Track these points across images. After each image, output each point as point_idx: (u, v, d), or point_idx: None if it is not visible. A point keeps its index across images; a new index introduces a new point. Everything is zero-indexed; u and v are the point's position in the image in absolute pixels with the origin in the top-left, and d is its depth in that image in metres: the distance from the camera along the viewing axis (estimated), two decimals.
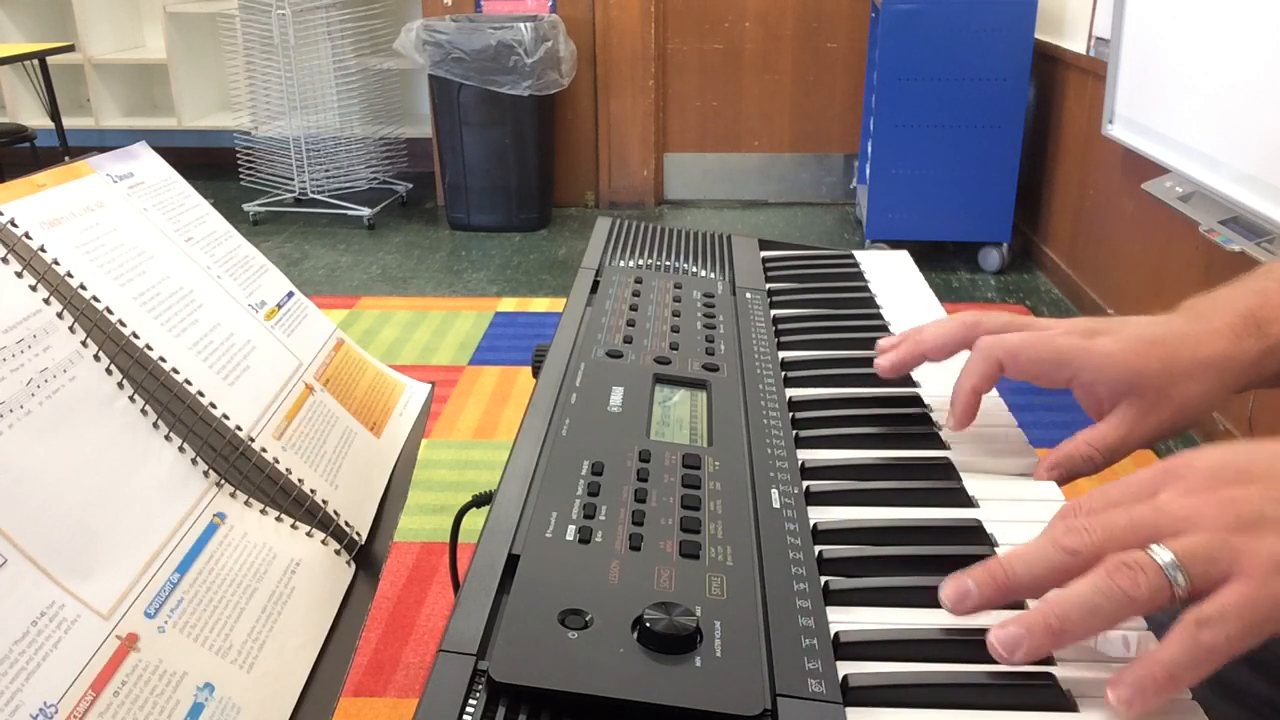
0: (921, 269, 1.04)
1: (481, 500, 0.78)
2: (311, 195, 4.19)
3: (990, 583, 0.48)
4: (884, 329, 0.88)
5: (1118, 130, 2.71)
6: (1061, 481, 0.65)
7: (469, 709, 0.43)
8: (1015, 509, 0.63)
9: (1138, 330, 0.65)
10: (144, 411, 0.60)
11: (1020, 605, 0.51)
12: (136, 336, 0.64)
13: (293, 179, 4.17)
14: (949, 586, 0.49)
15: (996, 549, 0.58)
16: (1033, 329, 0.68)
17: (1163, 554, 0.45)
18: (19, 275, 0.59)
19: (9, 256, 0.59)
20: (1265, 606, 0.43)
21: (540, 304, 3.36)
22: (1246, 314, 0.63)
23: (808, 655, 0.48)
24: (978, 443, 0.70)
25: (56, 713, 0.45)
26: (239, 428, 0.67)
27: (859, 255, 1.07)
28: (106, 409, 0.58)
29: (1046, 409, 2.48)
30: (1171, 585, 0.44)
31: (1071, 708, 0.46)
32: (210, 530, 0.59)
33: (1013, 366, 0.66)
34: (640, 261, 0.96)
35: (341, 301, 3.35)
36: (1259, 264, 0.65)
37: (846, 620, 0.51)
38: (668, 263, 0.97)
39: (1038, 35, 3.35)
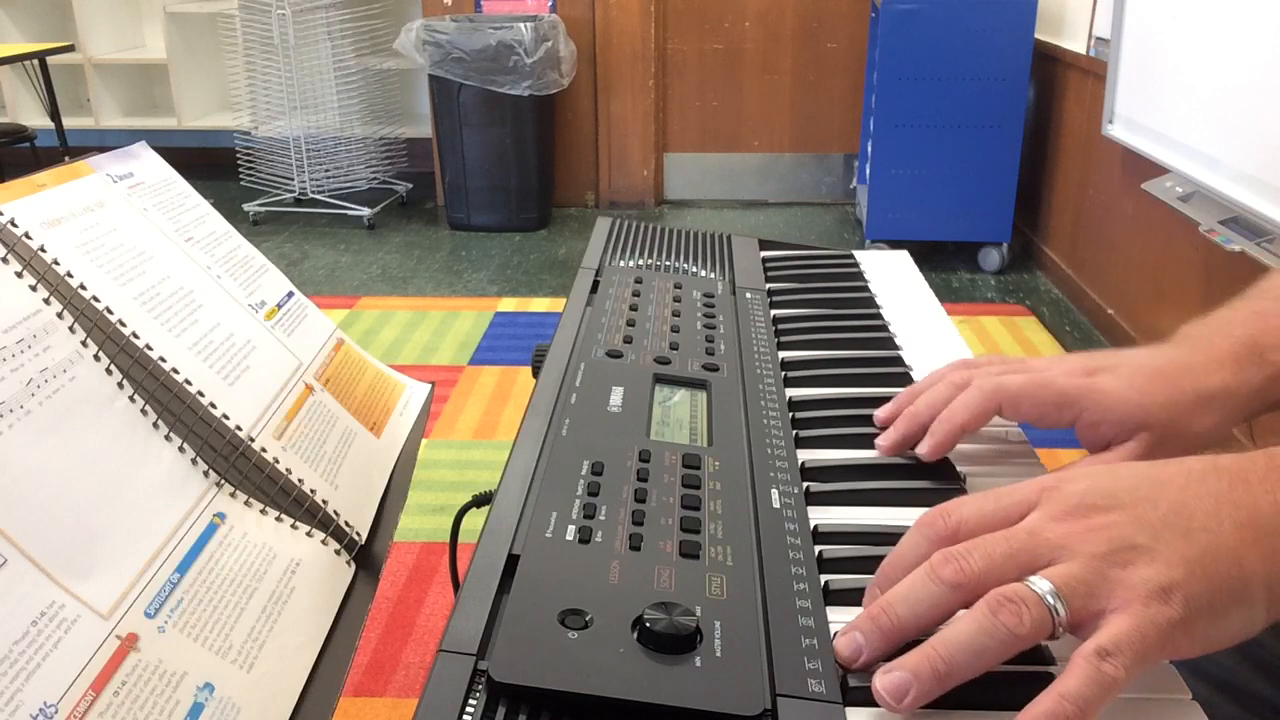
0: (921, 269, 1.04)
1: (481, 500, 0.78)
2: (311, 195, 4.19)
3: (878, 633, 0.47)
4: (884, 329, 0.88)
5: (1118, 130, 2.71)
6: None
7: (469, 709, 0.43)
8: None
9: (1138, 364, 0.64)
10: (144, 411, 0.60)
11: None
12: (136, 336, 0.64)
13: (293, 179, 4.17)
14: (840, 643, 0.48)
15: None
16: (1023, 370, 0.67)
17: (1041, 584, 0.44)
18: (19, 275, 0.59)
19: (9, 256, 0.59)
20: (1151, 635, 0.43)
21: (540, 304, 3.36)
22: (1247, 341, 0.63)
23: (808, 655, 0.48)
24: (978, 443, 0.70)
25: (56, 713, 0.45)
26: (239, 428, 0.67)
27: (859, 255, 1.07)
28: (106, 409, 0.58)
29: None
30: (1053, 616, 0.44)
31: None
32: (210, 530, 0.59)
33: (1012, 410, 0.65)
34: (640, 261, 0.96)
35: (341, 301, 3.35)
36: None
37: (847, 620, 0.51)
38: (668, 263, 0.97)
39: (1038, 35, 3.35)
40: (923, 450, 0.66)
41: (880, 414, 0.70)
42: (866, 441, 0.69)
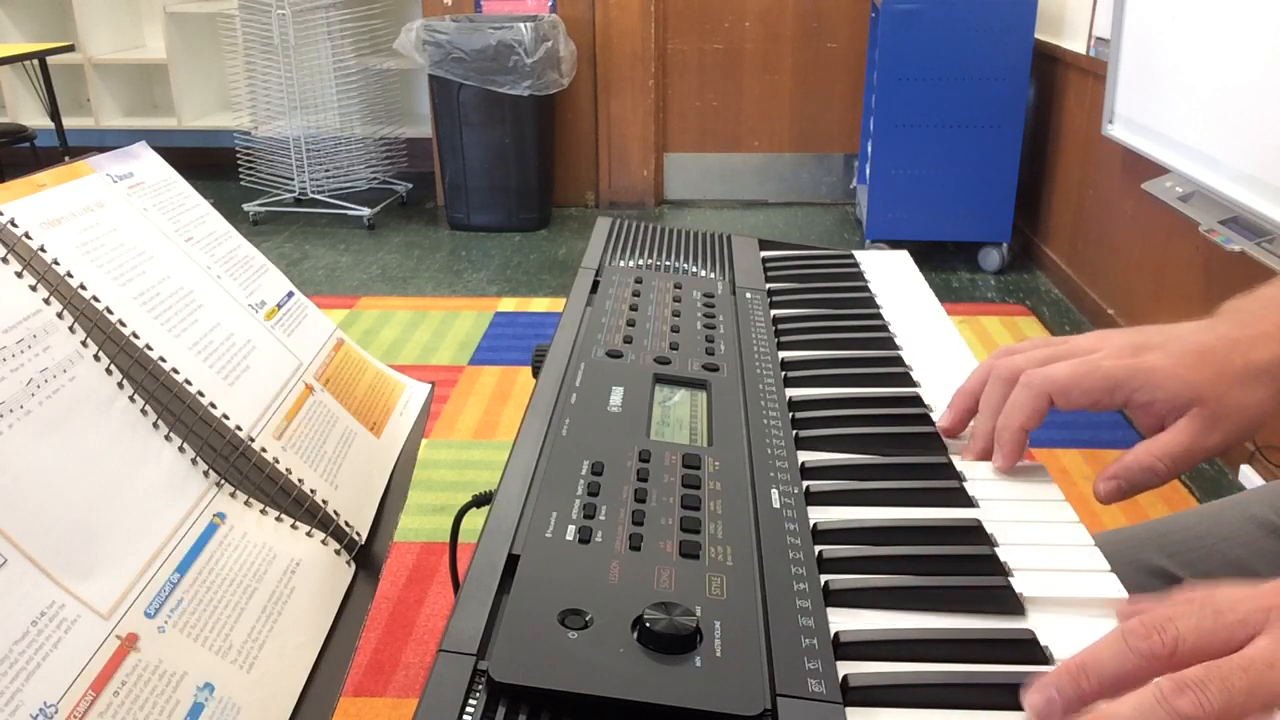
0: (921, 269, 1.04)
1: (481, 500, 0.78)
2: (311, 195, 4.19)
3: None
4: (884, 329, 0.88)
5: (1118, 130, 2.71)
6: (1121, 495, 0.63)
7: (469, 709, 0.43)
8: (1015, 509, 0.63)
9: (1184, 340, 0.64)
10: (144, 411, 0.60)
11: None
12: (136, 336, 0.64)
13: (293, 179, 4.17)
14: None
15: (996, 549, 0.58)
16: (1070, 354, 0.66)
17: None
18: (19, 275, 0.59)
19: (9, 256, 0.59)
20: None
21: (540, 304, 3.36)
22: None
23: (808, 655, 0.48)
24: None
25: (56, 713, 0.45)
26: (239, 428, 0.67)
27: (859, 255, 1.07)
28: (106, 409, 0.58)
29: None
30: None
31: None
32: (210, 530, 0.59)
33: (1064, 400, 0.64)
34: (640, 261, 0.96)
35: (341, 301, 3.35)
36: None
37: (846, 620, 0.51)
38: (668, 263, 0.97)
39: (1038, 35, 3.35)
40: (998, 464, 0.66)
41: (942, 423, 0.71)
42: (866, 441, 0.69)
